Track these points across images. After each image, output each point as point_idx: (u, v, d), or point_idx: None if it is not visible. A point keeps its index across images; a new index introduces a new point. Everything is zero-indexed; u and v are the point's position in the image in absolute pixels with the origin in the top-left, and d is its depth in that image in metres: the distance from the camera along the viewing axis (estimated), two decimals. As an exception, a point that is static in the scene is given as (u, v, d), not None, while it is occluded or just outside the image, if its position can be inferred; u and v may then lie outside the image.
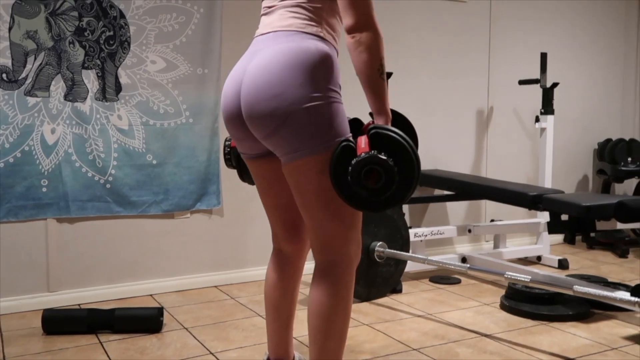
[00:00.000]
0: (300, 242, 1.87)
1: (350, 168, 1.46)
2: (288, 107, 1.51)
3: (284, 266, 1.88)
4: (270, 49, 1.59)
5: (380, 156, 1.44)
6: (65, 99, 3.02)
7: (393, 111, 1.70)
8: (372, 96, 1.56)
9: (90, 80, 3.07)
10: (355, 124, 1.67)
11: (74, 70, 3.03)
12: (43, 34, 2.94)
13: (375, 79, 1.54)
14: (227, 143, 1.93)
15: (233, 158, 1.92)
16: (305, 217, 1.66)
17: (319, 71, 1.55)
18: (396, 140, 1.48)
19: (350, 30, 1.53)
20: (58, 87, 3.00)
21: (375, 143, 1.48)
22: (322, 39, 1.62)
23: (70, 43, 3.00)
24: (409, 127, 1.73)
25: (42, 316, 2.63)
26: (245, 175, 1.95)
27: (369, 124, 1.64)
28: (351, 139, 1.54)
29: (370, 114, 1.64)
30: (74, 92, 3.03)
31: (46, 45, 2.95)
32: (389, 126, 1.53)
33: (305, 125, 1.52)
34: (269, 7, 1.70)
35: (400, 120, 1.72)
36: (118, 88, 3.13)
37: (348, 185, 1.50)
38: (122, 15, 3.10)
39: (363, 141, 1.49)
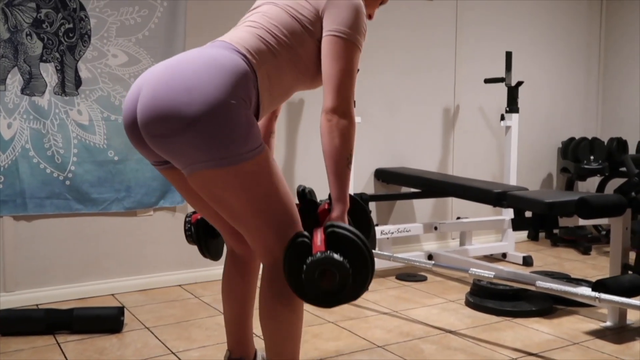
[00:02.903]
0: (248, 244, 1.76)
1: (304, 267, 1.41)
2: (202, 106, 1.35)
3: (238, 265, 1.84)
4: (196, 49, 1.52)
5: (335, 258, 1.39)
6: (22, 93, 2.93)
7: (352, 198, 1.67)
8: (335, 183, 1.53)
9: (48, 73, 2.98)
10: (311, 205, 1.66)
11: (32, 63, 2.94)
12: (-1, 25, 2.85)
13: (342, 167, 1.52)
14: (187, 219, 1.89)
15: (194, 234, 1.88)
16: (237, 228, 1.59)
17: (240, 82, 1.43)
18: (353, 241, 1.44)
19: (328, 112, 1.51)
20: (15, 80, 2.90)
21: (332, 242, 1.44)
22: (254, 72, 1.48)
23: (27, 35, 2.91)
24: (365, 214, 1.73)
25: (-4, 317, 2.55)
26: (206, 252, 1.92)
27: (324, 208, 1.62)
28: (306, 233, 1.48)
29: (329, 196, 1.61)
30: (31, 86, 2.94)
31: (2, 37, 2.86)
32: (346, 225, 1.48)
33: (220, 131, 1.38)
34: (235, 28, 1.63)
35: (356, 207, 1.71)
36: (78, 82, 3.05)
37: (301, 281, 1.45)
38: (82, 8, 3.02)
39: (319, 238, 1.45)
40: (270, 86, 1.54)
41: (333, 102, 1.51)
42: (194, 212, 1.90)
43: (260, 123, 1.87)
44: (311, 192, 1.74)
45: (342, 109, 1.51)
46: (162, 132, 1.40)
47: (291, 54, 1.56)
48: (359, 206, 1.72)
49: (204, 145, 1.38)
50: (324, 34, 1.56)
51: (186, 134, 1.37)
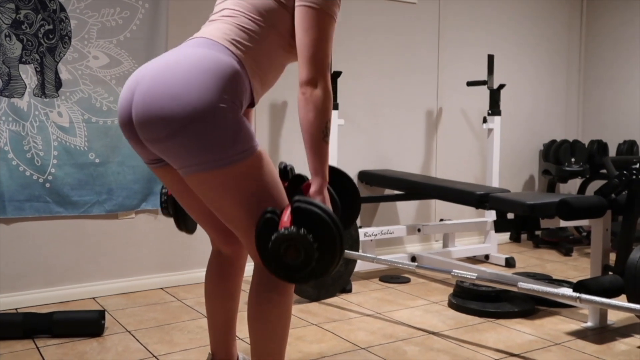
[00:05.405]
0: (237, 244, 1.78)
1: (270, 243, 1.41)
2: (189, 112, 1.38)
3: (224, 267, 1.83)
4: (182, 50, 1.52)
5: (296, 232, 1.38)
6: (1, 95, 2.89)
7: (335, 169, 1.65)
8: (312, 157, 1.51)
9: (28, 75, 2.94)
10: (297, 180, 1.64)
11: (11, 64, 2.90)
12: (-23, 26, 2.81)
13: (318, 140, 1.49)
14: (163, 191, 1.86)
15: (170, 206, 1.86)
16: (230, 227, 1.59)
17: (228, 84, 1.43)
18: (318, 216, 1.41)
19: (302, 84, 1.49)
20: (-7, 81, 2.87)
21: (298, 217, 1.42)
22: (242, 65, 1.50)
23: (6, 36, 2.88)
24: (349, 186, 1.71)
25: (-26, 321, 2.50)
26: (182, 224, 1.89)
27: (308, 184, 1.58)
28: (277, 210, 1.46)
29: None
30: (10, 88, 2.91)
31: (-20, 37, 2.82)
32: (311, 199, 1.46)
33: (207, 135, 1.40)
34: (211, 21, 1.62)
35: (341, 179, 1.69)
36: (58, 84, 3.01)
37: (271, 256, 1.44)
38: (63, 9, 2.99)
39: (286, 215, 1.44)
40: (260, 71, 1.55)
41: (307, 74, 1.49)
42: None
43: None
44: (292, 169, 1.73)
45: (316, 80, 1.48)
46: (154, 136, 1.45)
47: (273, 34, 1.55)
48: (343, 178, 1.69)
49: (194, 149, 1.42)
50: (295, 5, 1.53)
51: (176, 139, 1.41)
